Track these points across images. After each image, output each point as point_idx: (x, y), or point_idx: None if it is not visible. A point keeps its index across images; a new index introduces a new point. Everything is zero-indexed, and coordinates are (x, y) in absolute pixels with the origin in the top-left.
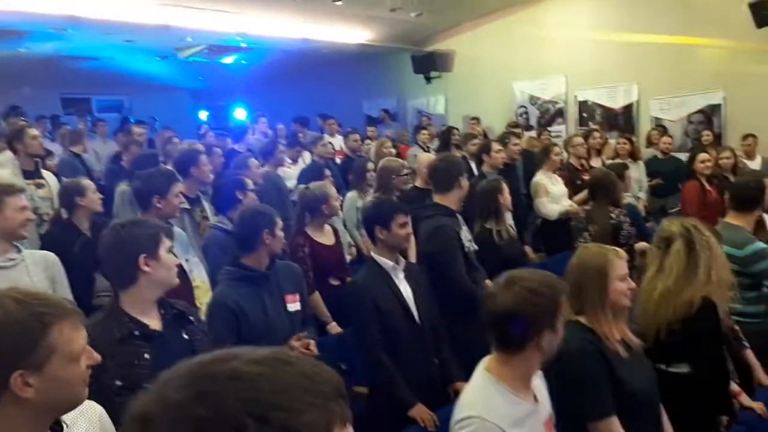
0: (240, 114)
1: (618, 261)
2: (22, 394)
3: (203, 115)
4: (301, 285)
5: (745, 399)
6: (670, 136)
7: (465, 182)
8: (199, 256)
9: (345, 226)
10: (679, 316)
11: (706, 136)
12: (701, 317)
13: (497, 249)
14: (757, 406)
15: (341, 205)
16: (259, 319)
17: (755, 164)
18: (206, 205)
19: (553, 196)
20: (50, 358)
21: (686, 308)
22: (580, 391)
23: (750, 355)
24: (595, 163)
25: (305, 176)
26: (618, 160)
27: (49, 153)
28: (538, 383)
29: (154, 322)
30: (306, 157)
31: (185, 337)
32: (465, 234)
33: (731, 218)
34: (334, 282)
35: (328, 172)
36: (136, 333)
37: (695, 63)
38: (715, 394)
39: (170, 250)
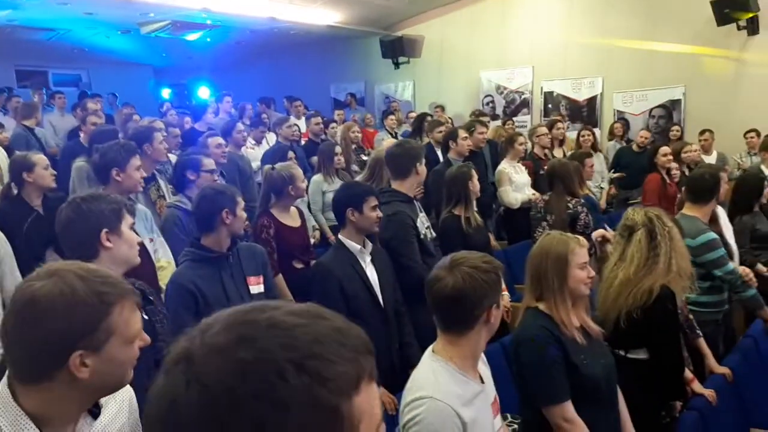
0: (204, 93)
1: (579, 249)
2: (79, 375)
3: (166, 93)
4: (265, 267)
5: (697, 386)
6: (648, 130)
7: (422, 169)
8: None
9: (309, 209)
10: (638, 304)
11: (675, 131)
12: (660, 306)
13: (465, 236)
14: (708, 392)
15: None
16: (218, 302)
17: (711, 159)
18: (162, 184)
19: (517, 185)
20: (109, 340)
21: (646, 296)
22: (535, 377)
23: (703, 343)
24: (558, 153)
25: (269, 157)
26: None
27: (1, 126)
28: (483, 367)
29: None
30: (270, 139)
31: (145, 317)
32: (422, 221)
33: (687, 209)
34: (298, 265)
35: (291, 154)
36: None
37: (658, 59)
38: (671, 380)
39: (132, 228)
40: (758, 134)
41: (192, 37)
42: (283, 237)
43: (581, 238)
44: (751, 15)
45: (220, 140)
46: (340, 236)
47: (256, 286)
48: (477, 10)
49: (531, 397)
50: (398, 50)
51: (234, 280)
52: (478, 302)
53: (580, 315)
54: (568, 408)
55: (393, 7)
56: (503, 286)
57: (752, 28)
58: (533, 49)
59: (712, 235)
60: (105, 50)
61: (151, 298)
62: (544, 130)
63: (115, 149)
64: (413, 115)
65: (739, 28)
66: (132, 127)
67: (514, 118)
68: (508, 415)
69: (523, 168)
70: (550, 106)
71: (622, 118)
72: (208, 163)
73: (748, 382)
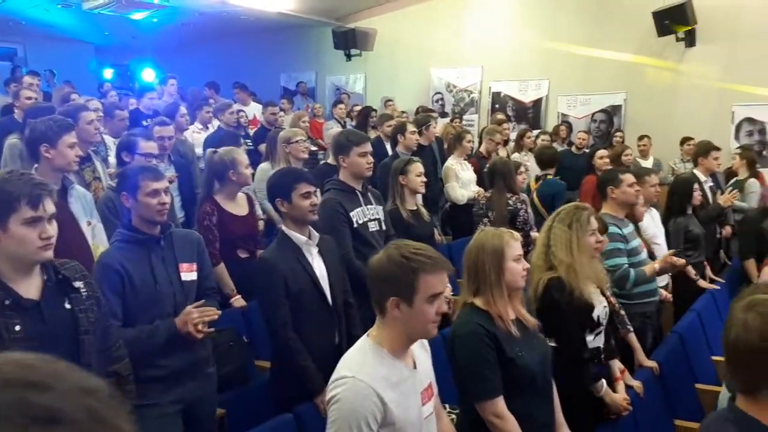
0: (148, 75)
1: (513, 243)
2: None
3: (107, 73)
4: (201, 255)
5: (627, 378)
6: (586, 132)
7: (358, 160)
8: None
9: (257, 197)
10: (537, 294)
11: (619, 136)
12: (548, 297)
13: (408, 228)
14: (636, 384)
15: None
16: (145, 285)
17: (648, 164)
18: (99, 166)
19: (463, 181)
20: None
21: (539, 288)
22: (468, 373)
23: (632, 337)
24: (503, 153)
25: (215, 143)
26: (522, 153)
27: None
28: (421, 353)
29: (31, 290)
30: (216, 124)
31: (67, 306)
32: (364, 211)
33: (605, 208)
34: (243, 254)
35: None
36: (7, 302)
37: (601, 65)
38: (575, 368)
39: (34, 220)
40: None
41: (138, 16)
42: (226, 225)
43: (515, 232)
44: (689, 28)
45: (168, 131)
46: (282, 228)
47: (188, 273)
48: (430, 7)
49: (465, 391)
50: (350, 42)
51: (165, 264)
52: (379, 289)
53: (517, 307)
54: (499, 404)
55: None
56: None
57: (689, 40)
58: (483, 50)
59: (615, 229)
60: (43, 24)
61: (76, 285)
62: (500, 138)
63: (46, 124)
64: (358, 108)
65: (677, 39)
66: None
67: (463, 117)
68: (447, 406)
69: (470, 165)
70: (497, 106)
71: (565, 121)
72: (146, 146)
73: (673, 376)
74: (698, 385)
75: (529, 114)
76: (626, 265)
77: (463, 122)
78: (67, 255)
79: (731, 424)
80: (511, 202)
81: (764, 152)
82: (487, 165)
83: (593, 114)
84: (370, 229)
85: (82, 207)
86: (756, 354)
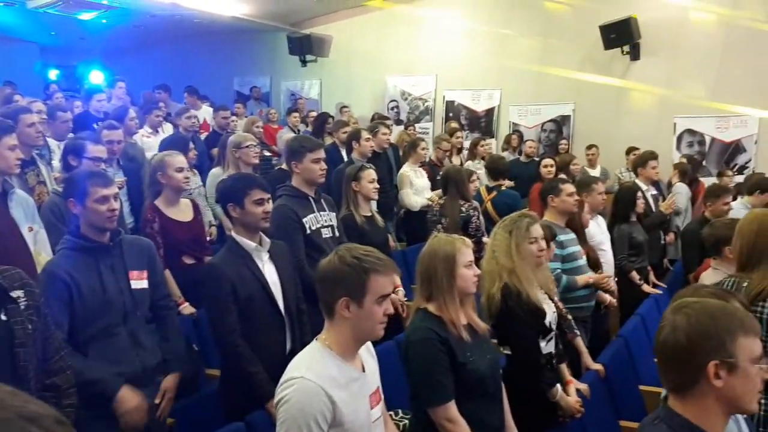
0: (97, 77)
1: (465, 249)
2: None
3: (53, 74)
4: (151, 262)
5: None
6: (535, 141)
7: (311, 165)
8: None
9: (208, 202)
10: (492, 301)
11: (563, 144)
12: (504, 304)
13: (362, 234)
14: (583, 387)
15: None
16: (93, 295)
17: (595, 172)
18: (44, 170)
19: (417, 188)
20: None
21: (496, 294)
22: (421, 378)
23: (579, 341)
24: (456, 161)
25: (165, 147)
26: (475, 161)
27: None
28: (368, 358)
29: None
30: (167, 128)
31: (2, 318)
32: (317, 217)
33: (546, 216)
34: (189, 261)
35: (191, 145)
36: None
37: (551, 76)
38: (533, 374)
39: None
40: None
41: (86, 16)
42: (169, 231)
43: (466, 238)
44: (633, 42)
45: (117, 135)
46: (232, 234)
47: (139, 281)
48: (386, 15)
49: (417, 396)
50: (306, 48)
51: (114, 272)
52: (329, 290)
53: (468, 313)
54: (451, 408)
55: (301, 4)
56: (396, 283)
57: (634, 53)
58: (437, 59)
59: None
60: None
61: (14, 295)
62: (448, 145)
63: None
64: (314, 114)
65: (623, 53)
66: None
67: (417, 125)
68: (400, 411)
69: (424, 172)
70: (451, 114)
71: (517, 131)
72: (94, 150)
73: (618, 378)
74: (642, 387)
75: (482, 123)
76: (559, 270)
77: (418, 130)
78: (7, 262)
79: (663, 424)
80: (463, 209)
81: (704, 162)
82: (440, 172)
83: (543, 124)
84: (324, 236)
85: (23, 212)
86: (683, 355)
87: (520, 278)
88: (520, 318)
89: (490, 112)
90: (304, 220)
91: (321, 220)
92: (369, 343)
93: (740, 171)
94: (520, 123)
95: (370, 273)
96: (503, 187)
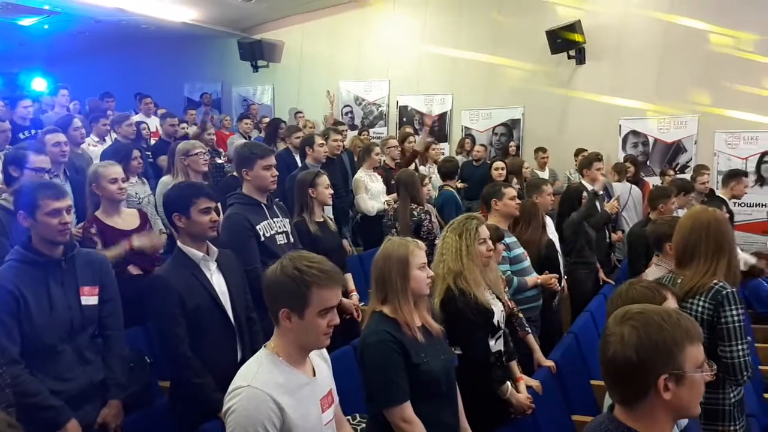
0: (39, 85)
1: (418, 251)
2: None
3: None
4: (105, 277)
5: (526, 378)
6: (483, 145)
7: (264, 171)
8: None
9: (157, 211)
10: (441, 303)
11: (512, 147)
12: (453, 305)
13: (315, 240)
14: (535, 384)
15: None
16: (41, 310)
17: (545, 174)
18: None
19: (373, 193)
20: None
21: (442, 295)
22: (376, 380)
23: (531, 339)
24: (411, 165)
25: (107, 156)
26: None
27: None
28: (320, 362)
29: None
30: (114, 136)
31: None
32: (270, 224)
33: (490, 219)
34: (135, 271)
35: (136, 153)
36: None
37: (501, 80)
38: (483, 373)
39: None
40: None
41: (26, 22)
42: (109, 239)
43: (419, 241)
44: (579, 46)
45: (60, 137)
46: (178, 243)
47: (89, 297)
48: (337, 20)
49: (373, 398)
50: (257, 53)
51: (64, 288)
52: (271, 300)
53: (422, 314)
54: (407, 409)
55: (251, 9)
56: (340, 291)
57: (580, 58)
58: (390, 64)
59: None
60: None
61: None
62: (395, 142)
63: None
64: (267, 120)
65: (569, 57)
66: None
67: (371, 130)
68: (357, 415)
69: (379, 177)
70: (404, 119)
71: (469, 135)
72: (37, 160)
73: (570, 373)
74: (593, 381)
75: (435, 127)
76: (509, 272)
77: (372, 135)
78: None
79: None
80: (415, 213)
81: (648, 162)
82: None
83: (494, 127)
84: (278, 242)
85: None
86: (633, 371)
87: (468, 280)
88: (468, 319)
89: (442, 117)
90: (258, 227)
91: (275, 227)
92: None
93: (682, 170)
94: (472, 127)
95: (311, 286)
96: (449, 188)
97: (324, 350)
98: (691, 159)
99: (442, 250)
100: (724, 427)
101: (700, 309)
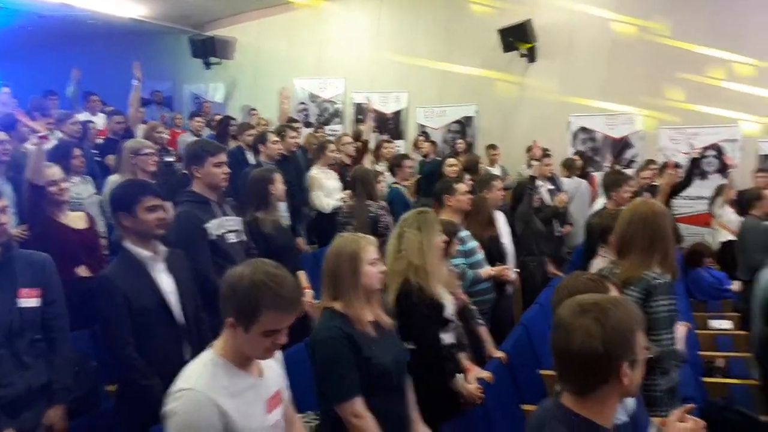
0: None
1: (369, 247)
2: None
3: None
4: (47, 278)
5: (477, 371)
6: (433, 142)
7: (215, 169)
8: None
9: (104, 211)
10: (394, 299)
11: (460, 144)
12: (406, 300)
13: (267, 239)
14: (486, 375)
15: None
16: None
17: (497, 170)
18: None
19: (327, 190)
20: None
21: (396, 291)
22: (326, 375)
23: (483, 331)
24: (366, 162)
25: (50, 156)
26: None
27: None
28: (269, 361)
29: None
30: (59, 135)
31: None
32: (220, 222)
33: (443, 214)
34: (84, 273)
35: (77, 152)
36: None
37: (454, 78)
38: (435, 366)
39: None
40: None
41: None
42: (57, 235)
43: (371, 237)
44: (530, 45)
45: (2, 135)
46: (124, 243)
47: (28, 299)
48: (291, 18)
49: (324, 394)
50: (209, 51)
51: (2, 290)
52: (222, 304)
53: (374, 309)
54: (357, 403)
55: (203, 5)
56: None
57: (531, 56)
58: (345, 62)
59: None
60: None
61: None
62: (349, 138)
63: None
64: (218, 118)
65: (521, 55)
66: None
67: (327, 127)
68: (311, 412)
69: (334, 174)
70: (360, 117)
71: (424, 132)
72: None
73: (520, 363)
74: (542, 371)
75: (390, 125)
76: (464, 266)
77: (328, 132)
78: None
79: (561, 424)
80: (371, 209)
81: (596, 158)
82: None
83: (449, 125)
84: (229, 241)
85: None
86: (600, 361)
87: (428, 273)
88: (422, 314)
89: (398, 114)
90: (208, 225)
91: (226, 225)
92: None
93: (628, 165)
94: (426, 124)
95: (265, 308)
96: (393, 185)
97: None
98: (637, 154)
99: (399, 246)
100: (656, 413)
101: (632, 299)
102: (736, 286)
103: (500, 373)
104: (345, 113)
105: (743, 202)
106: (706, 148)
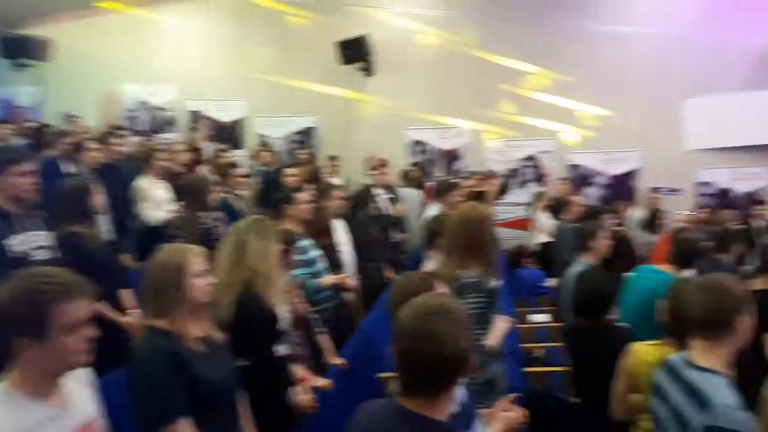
0: None
1: (195, 258)
2: None
3: None
4: None
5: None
6: (271, 151)
7: (19, 178)
8: None
9: None
10: (230, 311)
11: (301, 154)
12: (242, 313)
13: (87, 253)
14: (322, 383)
15: None
16: None
17: (339, 181)
18: None
19: (155, 201)
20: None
21: (233, 303)
22: (146, 398)
23: (322, 339)
24: (203, 172)
25: None
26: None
27: None
28: (77, 388)
29: None
30: None
31: None
32: (25, 238)
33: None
34: None
35: None
36: None
37: (294, 89)
38: (270, 380)
39: None
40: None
41: None
42: None
43: (197, 247)
44: (367, 59)
45: None
46: None
47: None
48: (118, 19)
49: (143, 418)
50: (22, 51)
51: None
52: (6, 329)
53: (203, 324)
54: (182, 426)
55: (14, 2)
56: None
57: (368, 70)
58: (177, 68)
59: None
60: None
61: None
62: (180, 147)
63: None
64: (32, 125)
65: (359, 69)
66: None
67: (160, 135)
68: None
69: (163, 184)
70: (195, 125)
71: (264, 142)
72: None
73: (359, 368)
74: (380, 375)
75: (229, 134)
76: (307, 275)
77: (161, 141)
78: None
79: (404, 426)
80: (205, 220)
81: (429, 169)
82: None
83: (289, 135)
84: (35, 258)
85: None
86: (450, 362)
87: (269, 282)
88: (257, 327)
89: (236, 123)
90: (6, 242)
91: (31, 242)
92: (80, 372)
93: (457, 175)
94: (267, 134)
95: (49, 304)
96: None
97: (84, 374)
98: (467, 165)
99: (238, 255)
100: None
101: None
102: (552, 282)
103: (340, 379)
104: (179, 121)
105: (556, 208)
106: (525, 159)
